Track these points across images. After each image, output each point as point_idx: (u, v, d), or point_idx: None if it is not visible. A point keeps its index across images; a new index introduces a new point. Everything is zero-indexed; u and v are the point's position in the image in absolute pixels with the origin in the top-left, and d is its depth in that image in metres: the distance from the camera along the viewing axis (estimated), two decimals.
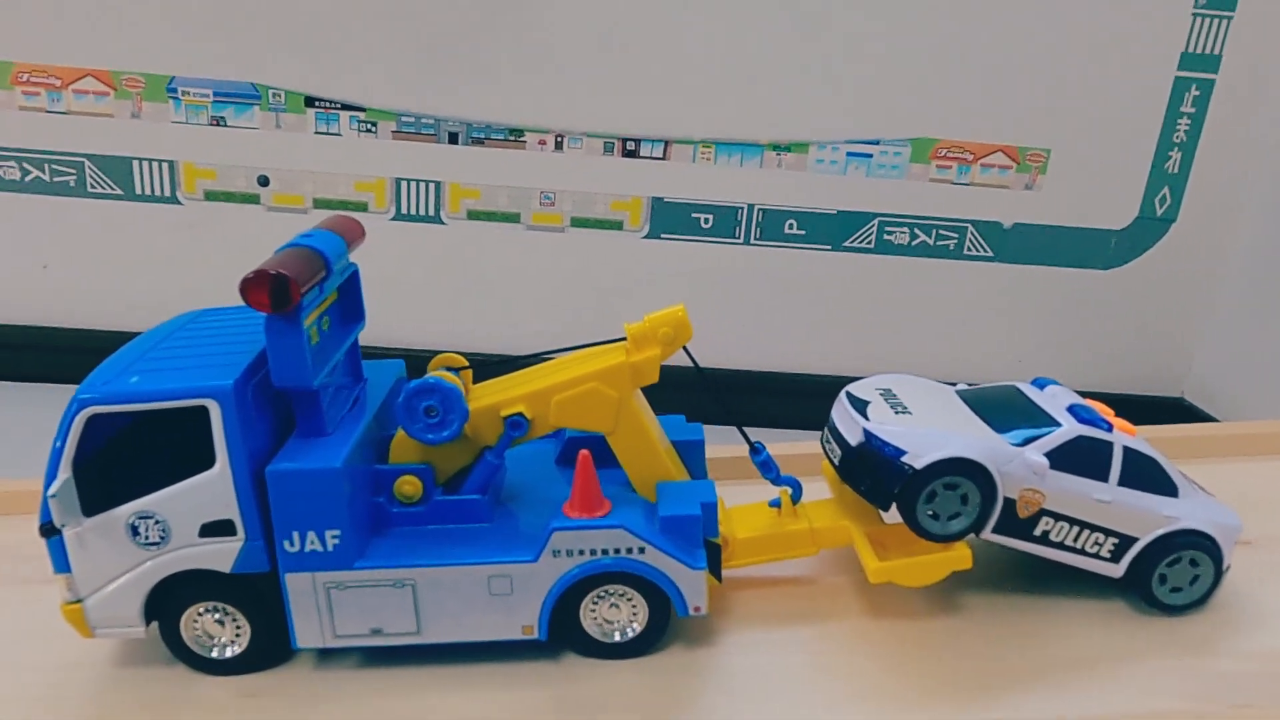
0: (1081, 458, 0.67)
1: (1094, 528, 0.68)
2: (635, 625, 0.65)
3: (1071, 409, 0.70)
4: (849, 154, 1.37)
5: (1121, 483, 0.68)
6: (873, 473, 0.66)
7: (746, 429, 0.70)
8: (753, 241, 1.41)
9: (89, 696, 0.63)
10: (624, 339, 0.67)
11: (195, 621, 0.64)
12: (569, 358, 0.70)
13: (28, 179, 1.37)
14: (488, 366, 0.71)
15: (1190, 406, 1.50)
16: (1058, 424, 0.68)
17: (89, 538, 0.61)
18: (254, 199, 1.38)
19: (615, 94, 1.34)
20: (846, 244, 1.42)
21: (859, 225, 1.42)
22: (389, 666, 0.65)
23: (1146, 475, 0.69)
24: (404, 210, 1.40)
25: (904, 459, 0.65)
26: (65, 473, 0.59)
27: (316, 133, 1.35)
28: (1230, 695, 0.61)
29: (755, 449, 0.71)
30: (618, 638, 0.65)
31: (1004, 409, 0.71)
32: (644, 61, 1.33)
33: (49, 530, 0.60)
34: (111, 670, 0.65)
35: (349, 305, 0.71)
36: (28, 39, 1.31)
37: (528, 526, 0.65)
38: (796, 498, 0.72)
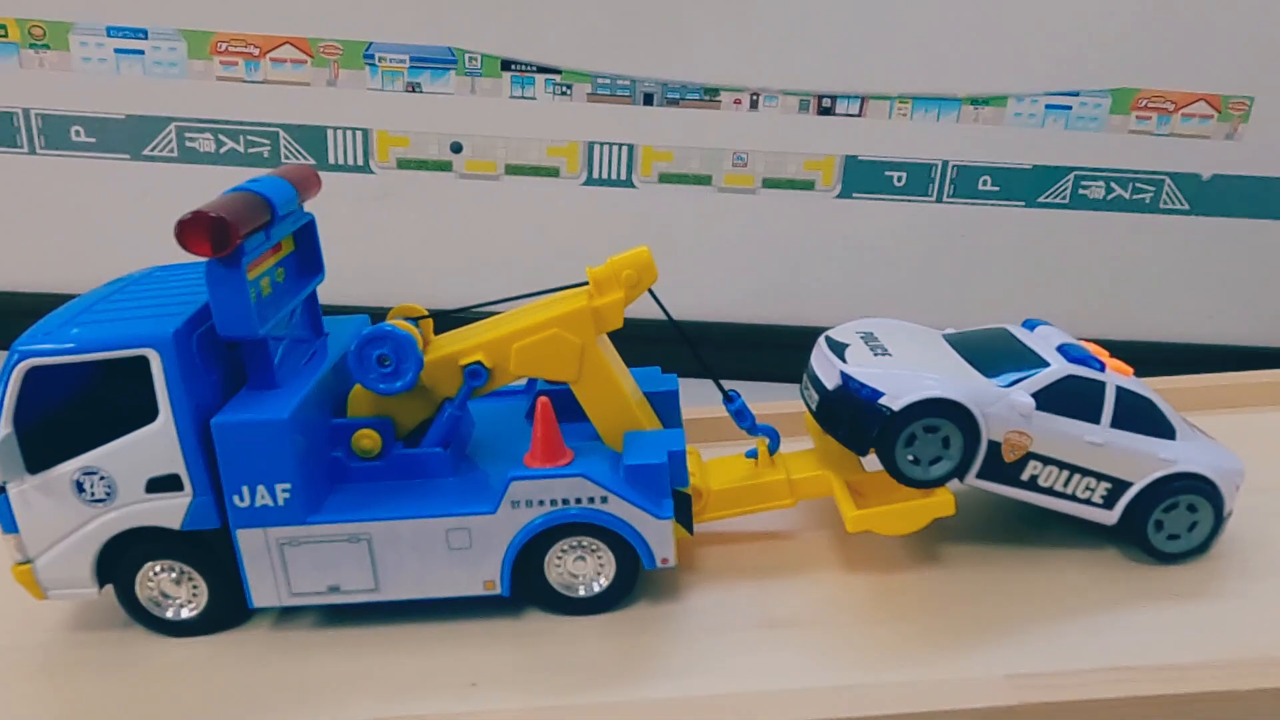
0: (1071, 398, 0.64)
1: (1085, 472, 0.64)
2: (601, 580, 0.63)
3: (1062, 348, 0.66)
4: (1048, 106, 1.33)
5: (1115, 424, 0.64)
6: (850, 417, 0.63)
7: None
8: (945, 199, 1.37)
9: (39, 664, 0.61)
10: (586, 284, 0.64)
11: (150, 582, 0.62)
12: (531, 305, 0.67)
13: (222, 150, 1.35)
14: (449, 316, 0.69)
15: None
16: (1047, 364, 0.65)
17: (34, 496, 0.59)
18: (446, 166, 1.36)
19: (812, 50, 1.30)
20: (1041, 199, 1.38)
21: (1054, 180, 1.38)
22: (349, 626, 0.63)
23: (1142, 417, 0.65)
24: (595, 175, 1.37)
25: (881, 400, 0.62)
26: (6, 428, 0.57)
27: (511, 97, 1.33)
28: (1221, 644, 0.57)
29: (729, 397, 0.68)
30: (582, 592, 0.63)
31: (991, 351, 0.68)
32: (841, 16, 1.29)
33: None
34: (64, 634, 0.63)
35: (306, 257, 0.69)
36: (228, 8, 1.29)
37: (488, 479, 0.63)
38: (774, 448, 0.70)
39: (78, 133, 1.35)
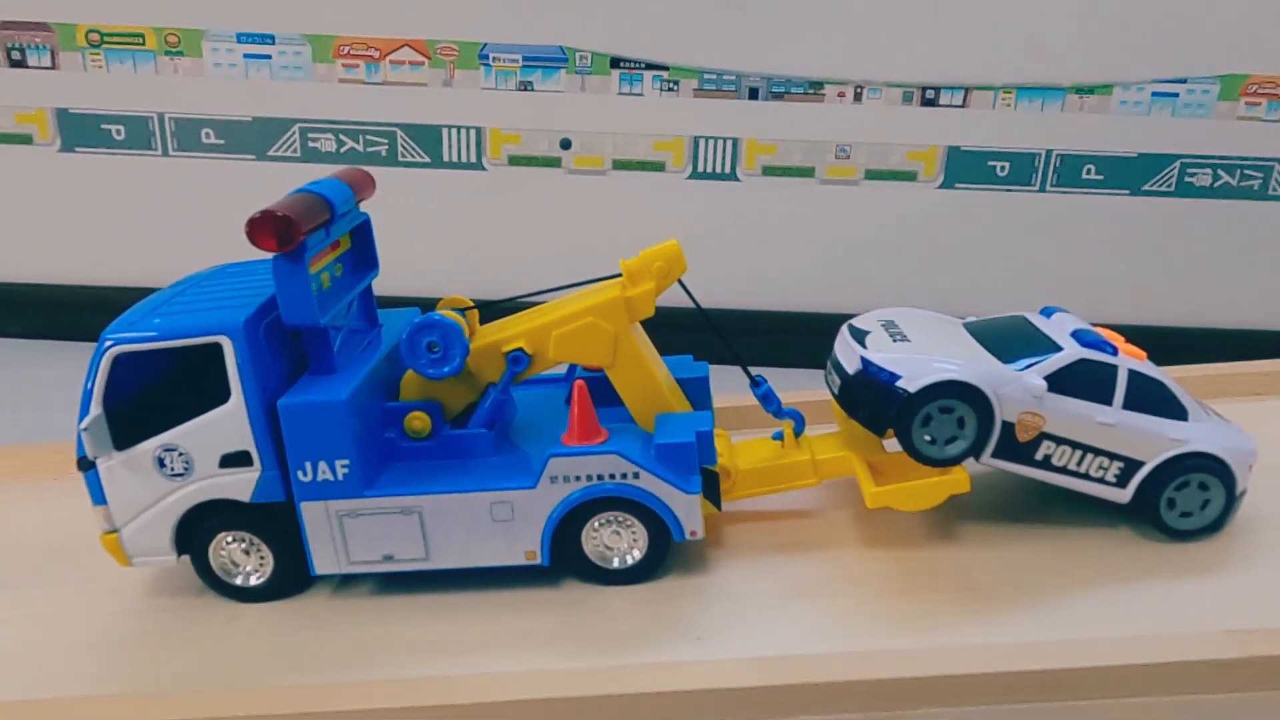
0: (1084, 381, 0.67)
1: (1098, 451, 0.67)
2: (635, 553, 0.67)
3: (1075, 334, 0.69)
4: (1154, 94, 1.33)
5: (1126, 406, 0.67)
6: (869, 399, 0.67)
7: None
8: (1048, 188, 1.38)
9: (120, 622, 0.67)
10: (620, 275, 0.69)
11: (222, 550, 0.68)
12: (570, 295, 0.72)
13: (342, 150, 1.41)
14: (494, 307, 0.74)
15: None
16: (1060, 348, 0.67)
17: (120, 471, 0.65)
18: (555, 162, 1.41)
19: (916, 42, 1.32)
20: (1145, 188, 1.39)
21: (1160, 168, 1.38)
22: (402, 594, 0.68)
23: (1153, 398, 0.68)
24: (700, 169, 1.41)
25: (899, 383, 0.65)
26: (96, 409, 0.64)
27: (619, 93, 1.37)
28: (1226, 619, 0.59)
29: (756, 382, 0.72)
30: (616, 564, 0.67)
31: (1008, 337, 0.71)
32: (946, 7, 1.30)
33: (85, 464, 0.65)
34: (146, 600, 0.69)
35: (362, 254, 0.74)
36: (351, 13, 1.35)
37: (529, 457, 0.67)
38: (799, 430, 0.73)
39: (207, 135, 1.42)
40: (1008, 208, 1.40)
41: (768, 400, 0.72)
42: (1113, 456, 0.67)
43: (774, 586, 0.66)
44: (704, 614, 0.64)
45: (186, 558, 0.68)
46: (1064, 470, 0.67)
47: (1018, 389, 0.65)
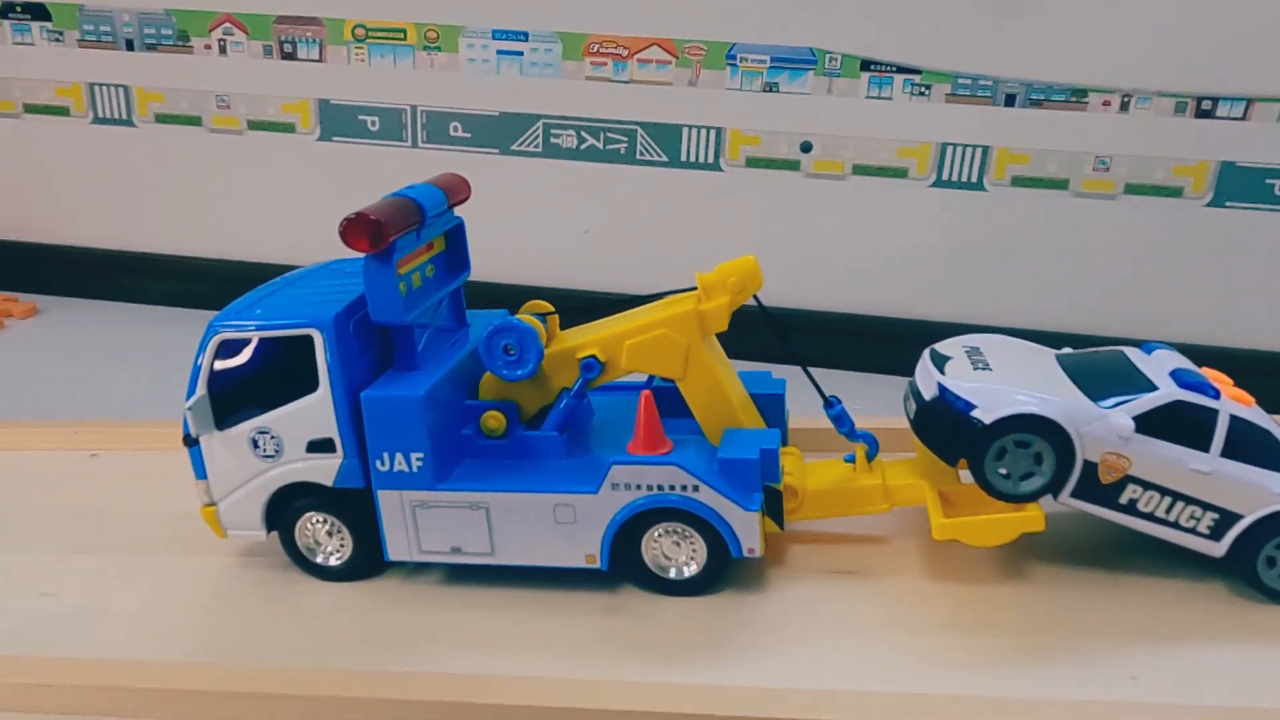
0: (1179, 424, 0.63)
1: (1189, 500, 0.63)
2: (694, 565, 0.67)
3: (1175, 373, 0.65)
4: None
5: (1225, 454, 0.63)
6: (943, 427, 0.65)
7: None
8: None
9: (213, 589, 0.72)
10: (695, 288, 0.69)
11: (307, 531, 0.72)
12: (649, 306, 0.72)
13: (583, 147, 1.44)
14: (577, 313, 0.75)
15: None
16: (1155, 388, 0.64)
17: (219, 449, 0.70)
18: (794, 165, 1.38)
19: (1193, 48, 1.23)
20: None
21: None
22: (468, 585, 0.70)
23: (1258, 448, 0.63)
24: (945, 176, 1.36)
25: (974, 413, 0.63)
26: (201, 390, 0.69)
27: (867, 97, 1.34)
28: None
29: (829, 403, 0.71)
30: (673, 574, 0.67)
31: (1102, 373, 0.67)
32: (1227, 10, 1.21)
33: (190, 440, 0.70)
34: (236, 570, 0.74)
35: (455, 255, 0.77)
36: (605, 10, 1.39)
37: (596, 462, 0.69)
38: (872, 454, 0.72)
39: (455, 128, 1.46)
40: None
41: (840, 422, 0.71)
42: (1206, 507, 0.63)
43: (826, 612, 0.65)
44: (748, 634, 0.63)
45: (275, 534, 0.72)
46: (1151, 517, 0.64)
47: (1103, 428, 0.62)
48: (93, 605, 0.69)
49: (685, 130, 1.39)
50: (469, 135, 1.46)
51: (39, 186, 1.65)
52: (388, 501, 0.68)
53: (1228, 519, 0.63)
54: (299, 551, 0.72)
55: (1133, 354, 0.70)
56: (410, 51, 1.44)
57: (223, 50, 1.51)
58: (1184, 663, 0.59)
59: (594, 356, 0.70)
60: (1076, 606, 0.64)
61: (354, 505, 0.70)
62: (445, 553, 0.69)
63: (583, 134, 1.42)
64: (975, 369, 0.67)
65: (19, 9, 1.56)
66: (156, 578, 0.73)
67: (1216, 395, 0.64)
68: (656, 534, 0.67)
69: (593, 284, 1.46)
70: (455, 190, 0.75)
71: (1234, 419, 0.63)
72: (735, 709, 0.55)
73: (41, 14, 1.56)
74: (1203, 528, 0.64)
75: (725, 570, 0.67)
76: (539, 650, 0.63)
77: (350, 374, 0.67)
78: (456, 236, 0.77)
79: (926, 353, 0.71)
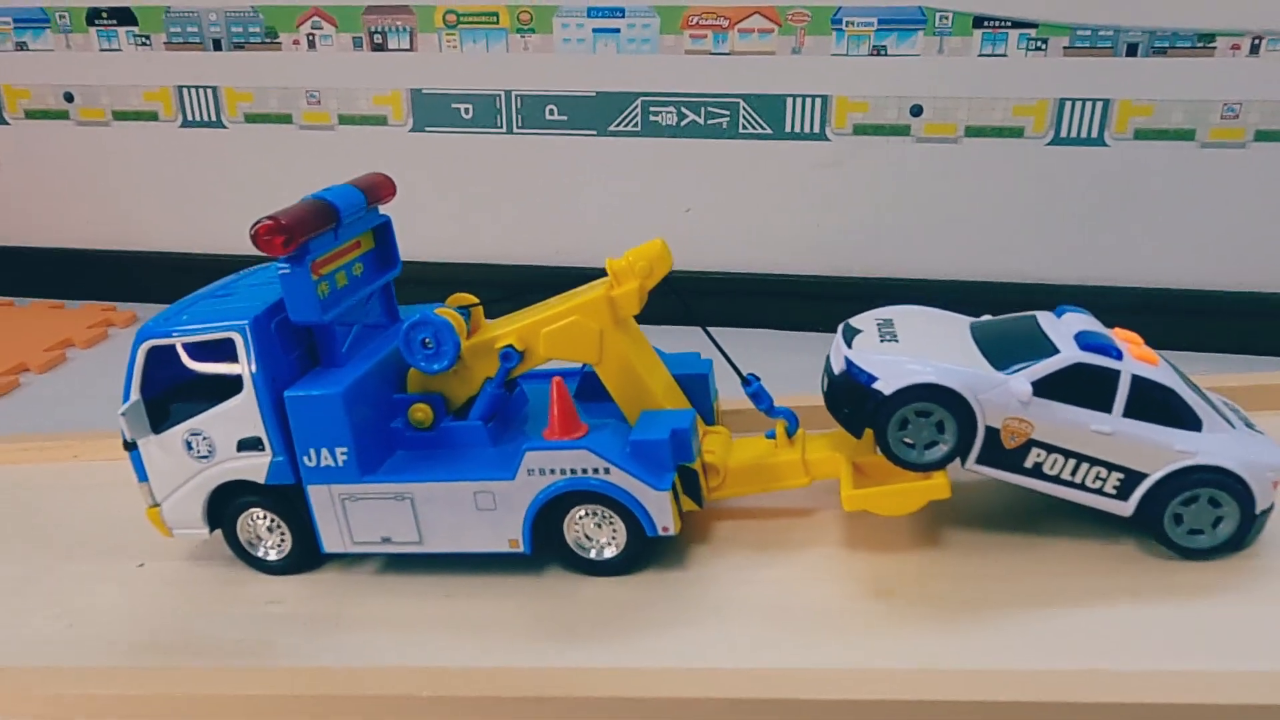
0: (1080, 387, 0.63)
1: (1094, 461, 0.63)
2: (614, 546, 0.69)
3: (1079, 336, 0.65)
4: None
5: (1128, 414, 0.63)
6: (849, 400, 0.66)
7: None
8: None
9: (166, 582, 0.75)
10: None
11: (248, 527, 0.74)
12: (565, 294, 0.74)
13: (683, 123, 1.41)
14: (498, 304, 0.77)
15: None
16: (1057, 351, 0.64)
17: (156, 452, 0.72)
18: (903, 130, 1.34)
19: None
20: None
21: None
22: (401, 574, 0.72)
23: (1160, 407, 0.64)
24: (1063, 133, 1.30)
25: (875, 385, 0.64)
26: (135, 395, 0.71)
27: (980, 55, 1.28)
28: (1213, 651, 0.55)
29: (747, 381, 0.72)
30: (593, 555, 0.69)
31: (1010, 339, 0.68)
32: None
33: (128, 445, 0.72)
34: (187, 566, 0.77)
35: (384, 253, 0.79)
36: None
37: (518, 449, 0.70)
38: (792, 430, 0.73)
39: (551, 111, 1.44)
40: None
41: (758, 399, 0.72)
42: (1111, 467, 0.63)
43: (743, 589, 0.66)
44: (668, 612, 0.65)
45: (219, 531, 0.75)
46: (1057, 480, 0.64)
47: (1003, 394, 0.63)
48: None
49: (789, 100, 1.35)
50: (565, 118, 1.43)
51: (132, 194, 1.65)
52: (318, 496, 0.70)
53: (1133, 478, 0.63)
54: (242, 547, 0.75)
55: (1044, 318, 0.70)
56: (503, 35, 1.41)
57: (311, 45, 1.49)
58: (1078, 622, 0.59)
59: (511, 346, 0.71)
60: (980, 570, 0.65)
61: (288, 501, 0.72)
62: (376, 543, 0.71)
63: (683, 110, 1.39)
64: (882, 341, 0.68)
65: (105, 14, 1.54)
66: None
67: (1119, 356, 0.64)
68: (579, 515, 0.69)
69: (695, 264, 1.42)
70: (377, 189, 0.76)
71: (1136, 379, 0.63)
72: (652, 690, 0.56)
73: (128, 18, 1.54)
74: (1109, 488, 0.64)
75: (645, 550, 0.69)
76: (467, 634, 0.65)
77: (273, 373, 0.69)
78: (384, 234, 0.79)
79: (841, 326, 0.72)
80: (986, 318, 0.73)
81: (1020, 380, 0.63)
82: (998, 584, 0.64)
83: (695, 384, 0.76)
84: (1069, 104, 1.28)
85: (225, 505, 0.74)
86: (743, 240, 1.41)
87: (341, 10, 1.47)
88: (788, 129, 1.36)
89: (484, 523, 0.69)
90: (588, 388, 0.78)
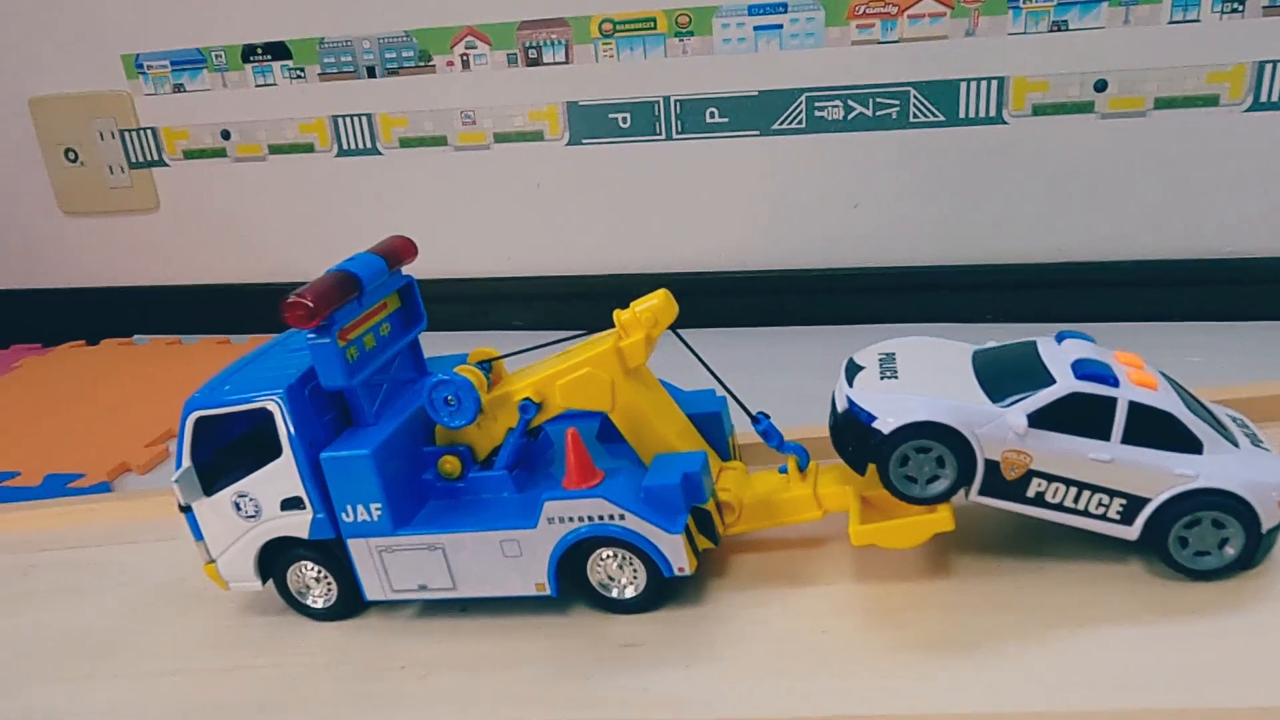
0: (1077, 415, 0.65)
1: (1095, 488, 0.65)
2: (635, 585, 0.72)
3: (1076, 364, 0.67)
4: None
5: (1126, 440, 0.64)
6: (852, 439, 0.68)
7: None
8: None
9: (217, 632, 0.80)
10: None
11: (296, 578, 0.79)
12: (580, 344, 0.77)
13: (850, 117, 1.35)
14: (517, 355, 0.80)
15: None
16: (1053, 381, 0.66)
17: (209, 513, 0.78)
18: (1087, 107, 1.28)
19: None
20: None
21: None
22: (439, 617, 0.77)
23: (1159, 432, 0.65)
24: (1263, 98, 1.22)
25: (874, 424, 0.66)
26: (186, 462, 0.76)
27: (1169, 22, 1.20)
28: (1227, 683, 0.56)
29: (756, 419, 0.75)
30: (615, 594, 0.72)
31: (1008, 369, 0.69)
32: None
33: (184, 508, 0.78)
34: (242, 617, 0.82)
35: (409, 311, 0.83)
36: None
37: (536, 498, 0.74)
38: (803, 465, 0.75)
39: (712, 114, 1.40)
40: None
41: (768, 436, 0.75)
42: (1112, 493, 0.65)
43: (758, 623, 0.69)
44: (687, 647, 0.68)
45: (271, 583, 0.80)
46: (1060, 508, 0.66)
47: (999, 427, 0.65)
48: None
49: (963, 85, 1.30)
50: (726, 119, 1.39)
51: (289, 226, 1.64)
52: (357, 548, 0.75)
53: (1136, 503, 0.65)
54: (292, 596, 0.80)
55: (1043, 345, 0.71)
56: (660, 40, 1.38)
57: (465, 65, 1.47)
58: (1083, 642, 0.61)
59: (529, 399, 0.75)
60: (991, 597, 0.67)
61: (331, 553, 0.77)
62: (414, 590, 0.75)
63: (849, 103, 1.34)
64: (883, 378, 0.70)
65: (259, 50, 1.55)
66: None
67: (1116, 384, 0.65)
68: (603, 556, 0.72)
69: (866, 261, 1.38)
70: (397, 253, 0.81)
71: (1133, 405, 0.64)
72: None
73: (282, 53, 1.55)
74: (1113, 513, 0.65)
75: (665, 589, 0.72)
76: (488, 669, 0.69)
77: (310, 437, 0.74)
78: (408, 293, 0.83)
79: (845, 362, 0.74)
80: (990, 344, 0.75)
81: (1016, 414, 0.65)
82: (1011, 615, 0.65)
83: (710, 422, 0.79)
84: (1269, 66, 1.20)
85: (276, 558, 0.79)
86: (914, 234, 1.32)
87: (495, 28, 1.44)
88: (961, 114, 1.30)
89: (512, 568, 0.73)
90: (610, 431, 0.81)
